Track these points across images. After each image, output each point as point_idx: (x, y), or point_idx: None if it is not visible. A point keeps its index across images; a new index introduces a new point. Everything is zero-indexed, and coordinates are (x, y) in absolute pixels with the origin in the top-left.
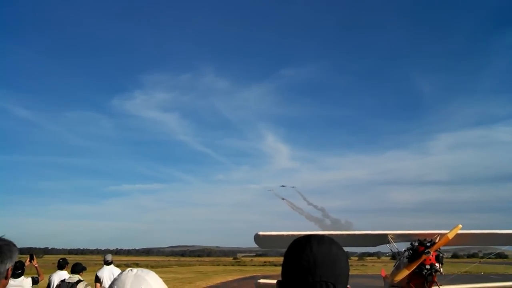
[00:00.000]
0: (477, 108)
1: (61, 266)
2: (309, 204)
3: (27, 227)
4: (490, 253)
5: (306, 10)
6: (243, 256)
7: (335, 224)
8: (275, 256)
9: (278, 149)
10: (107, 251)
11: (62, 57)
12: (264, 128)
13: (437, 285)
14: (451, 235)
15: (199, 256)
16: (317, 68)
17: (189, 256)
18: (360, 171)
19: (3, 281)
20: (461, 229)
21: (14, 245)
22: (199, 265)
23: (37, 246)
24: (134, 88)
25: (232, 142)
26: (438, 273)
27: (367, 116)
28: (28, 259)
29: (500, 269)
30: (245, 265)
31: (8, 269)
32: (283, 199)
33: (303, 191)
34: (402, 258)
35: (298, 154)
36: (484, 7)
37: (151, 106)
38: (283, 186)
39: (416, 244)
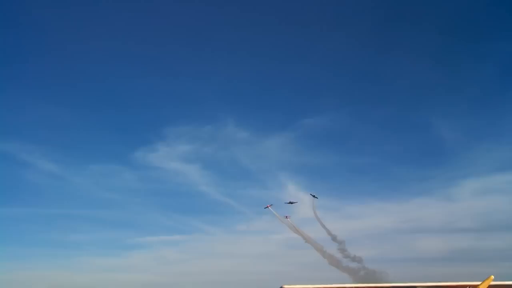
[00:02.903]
0: (503, 152)
1: None
2: (346, 256)
3: (54, 280)
4: None
5: (324, 61)
6: None
7: (370, 275)
8: None
9: (300, 198)
10: None
11: (87, 110)
12: (285, 177)
13: None
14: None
15: None
16: (337, 116)
17: None
18: (385, 219)
19: None
20: (493, 280)
21: None
22: None
23: None
24: (157, 140)
25: (253, 192)
26: None
27: (390, 163)
28: None
29: None
30: None
31: None
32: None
33: (326, 241)
34: None
35: (321, 203)
36: (505, 53)
37: (173, 157)
38: (291, 203)
39: None
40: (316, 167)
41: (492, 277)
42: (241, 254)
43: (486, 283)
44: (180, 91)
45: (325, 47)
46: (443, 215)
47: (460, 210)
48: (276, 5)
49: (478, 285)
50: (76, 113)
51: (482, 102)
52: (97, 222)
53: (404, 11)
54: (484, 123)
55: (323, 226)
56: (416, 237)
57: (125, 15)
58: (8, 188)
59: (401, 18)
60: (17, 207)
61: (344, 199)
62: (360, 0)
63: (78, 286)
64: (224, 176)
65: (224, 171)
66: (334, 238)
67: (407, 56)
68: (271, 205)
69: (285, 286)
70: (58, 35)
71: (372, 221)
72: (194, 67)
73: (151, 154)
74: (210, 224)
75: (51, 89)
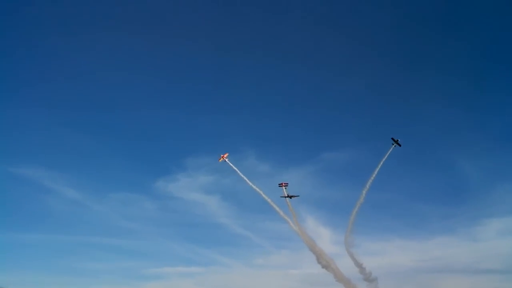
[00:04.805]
0: None
1: None
2: None
3: None
4: None
5: (346, 98)
6: None
7: None
8: None
9: (319, 233)
10: None
11: (111, 139)
12: (305, 211)
13: None
14: None
15: None
16: (358, 151)
17: None
18: (407, 257)
19: None
20: None
21: None
22: None
23: None
24: (178, 170)
25: (272, 225)
26: None
27: (412, 200)
28: None
29: None
30: None
31: None
32: None
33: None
34: None
35: (340, 239)
36: None
37: (193, 188)
38: (289, 197)
39: None
40: (336, 201)
41: None
42: None
43: None
44: (203, 123)
45: (347, 86)
46: (467, 254)
47: (485, 250)
48: (296, 42)
49: None
50: (100, 141)
51: (506, 141)
52: (115, 250)
53: (426, 53)
54: (509, 162)
55: (354, 260)
56: (438, 276)
57: (149, 48)
58: (30, 213)
59: (423, 59)
60: (37, 233)
61: (364, 235)
62: (383, 41)
63: None
64: (243, 208)
65: (243, 203)
66: (366, 277)
67: (430, 94)
68: (227, 154)
69: None
70: (85, 64)
71: (392, 258)
72: (216, 101)
73: (171, 184)
74: (228, 257)
75: (76, 116)
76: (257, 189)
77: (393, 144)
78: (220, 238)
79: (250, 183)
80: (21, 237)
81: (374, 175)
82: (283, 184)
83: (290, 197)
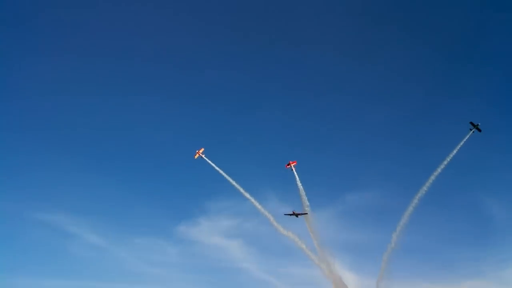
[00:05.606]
0: None
1: None
2: None
3: None
4: None
5: (368, 139)
6: None
7: None
8: None
9: (344, 277)
10: None
11: (134, 183)
12: (329, 255)
13: None
14: None
15: None
16: (382, 192)
17: None
18: None
19: None
20: None
21: None
22: None
23: None
24: (200, 214)
25: (296, 270)
26: None
27: (438, 243)
28: None
29: None
30: None
31: None
32: None
33: None
34: None
35: (367, 283)
36: None
37: (215, 232)
38: (295, 215)
39: None
40: (361, 245)
41: None
42: None
43: None
44: (223, 166)
45: (367, 125)
46: None
47: None
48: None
49: None
50: (122, 185)
51: None
52: None
53: (451, 85)
54: None
55: None
56: None
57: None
58: (53, 259)
59: (449, 92)
60: (59, 279)
61: (390, 279)
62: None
63: None
64: (266, 252)
65: (266, 248)
66: None
67: (456, 132)
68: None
69: None
70: (107, 121)
71: None
72: (238, 142)
73: (193, 228)
74: None
75: (98, 160)
76: (287, 232)
77: (471, 129)
78: (243, 284)
79: (276, 225)
80: (45, 283)
81: (441, 168)
82: (291, 163)
83: (297, 215)
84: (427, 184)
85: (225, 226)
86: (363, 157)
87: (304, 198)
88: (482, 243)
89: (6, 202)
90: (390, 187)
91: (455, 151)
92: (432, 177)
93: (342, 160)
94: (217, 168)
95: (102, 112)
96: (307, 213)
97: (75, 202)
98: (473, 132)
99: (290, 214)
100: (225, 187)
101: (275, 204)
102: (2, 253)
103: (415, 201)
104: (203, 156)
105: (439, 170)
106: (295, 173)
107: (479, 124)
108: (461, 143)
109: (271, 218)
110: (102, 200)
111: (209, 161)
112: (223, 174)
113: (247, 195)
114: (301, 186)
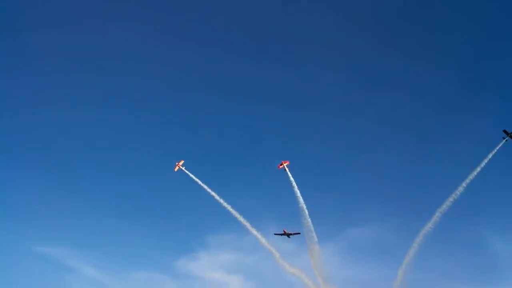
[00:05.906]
0: None
1: None
2: None
3: None
4: None
5: (371, 173)
6: None
7: None
8: None
9: None
10: None
11: (133, 217)
12: None
13: None
14: None
15: None
16: (384, 227)
17: None
18: None
19: None
20: None
21: None
22: None
23: None
24: (199, 249)
25: None
26: None
27: (441, 279)
28: None
29: None
30: None
31: None
32: None
33: None
34: None
35: None
36: None
37: (215, 267)
38: (287, 235)
39: None
40: (363, 281)
41: None
42: None
43: None
44: (224, 200)
45: (369, 160)
46: None
47: None
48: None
49: None
50: (121, 219)
51: None
52: None
53: (446, 124)
54: None
55: None
56: None
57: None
58: None
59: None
60: None
61: None
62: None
63: None
64: (267, 287)
65: (267, 282)
66: None
67: (457, 168)
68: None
69: None
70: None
71: None
72: (236, 177)
73: (192, 263)
74: None
75: (97, 194)
76: (293, 269)
77: (504, 138)
78: None
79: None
80: None
81: (474, 173)
82: (283, 163)
83: (288, 235)
84: (432, 220)
85: (225, 261)
86: (365, 194)
87: (300, 199)
88: (483, 278)
89: (3, 235)
90: (392, 223)
91: (483, 164)
92: (438, 214)
93: (344, 196)
94: (200, 183)
95: (101, 143)
96: (299, 233)
97: (73, 235)
98: (506, 140)
99: (281, 234)
100: (226, 220)
101: (277, 239)
102: None
103: (420, 237)
104: (183, 168)
105: (444, 206)
106: (288, 173)
107: None
108: (493, 152)
109: (277, 255)
110: (101, 233)
111: (192, 175)
112: (204, 186)
113: (248, 225)
114: (296, 186)
